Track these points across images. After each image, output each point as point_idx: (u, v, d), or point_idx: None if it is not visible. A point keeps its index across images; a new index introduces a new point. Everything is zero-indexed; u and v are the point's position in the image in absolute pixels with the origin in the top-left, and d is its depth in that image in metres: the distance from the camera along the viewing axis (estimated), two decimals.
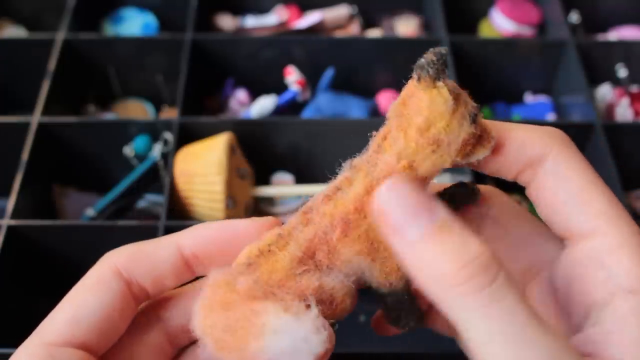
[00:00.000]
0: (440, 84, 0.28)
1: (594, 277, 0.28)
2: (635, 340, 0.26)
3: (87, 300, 0.30)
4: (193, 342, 0.33)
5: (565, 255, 0.30)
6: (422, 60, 0.28)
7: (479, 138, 0.30)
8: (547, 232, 0.32)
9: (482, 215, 0.33)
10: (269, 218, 0.32)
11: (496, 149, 0.30)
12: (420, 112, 0.28)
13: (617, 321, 0.27)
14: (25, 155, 0.79)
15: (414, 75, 0.29)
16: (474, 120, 0.29)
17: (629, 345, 0.26)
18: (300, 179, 0.88)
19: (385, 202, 0.27)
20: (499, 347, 0.25)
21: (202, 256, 0.31)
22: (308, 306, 0.28)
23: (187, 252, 0.31)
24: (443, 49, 0.28)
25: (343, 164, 0.30)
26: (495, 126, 0.30)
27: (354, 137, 0.86)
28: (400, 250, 0.27)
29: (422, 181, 0.29)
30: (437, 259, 0.26)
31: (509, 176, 0.31)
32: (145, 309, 0.33)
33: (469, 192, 0.33)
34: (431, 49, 0.29)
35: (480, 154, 0.30)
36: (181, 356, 0.33)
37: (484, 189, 0.34)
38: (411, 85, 0.29)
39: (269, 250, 0.30)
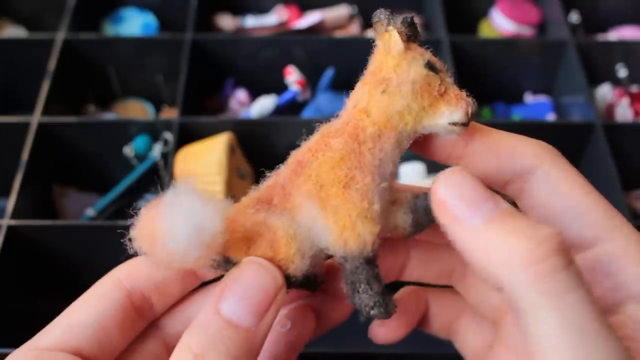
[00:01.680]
0: (390, 27, 0.29)
1: (600, 286, 0.28)
2: None
3: (83, 309, 0.30)
4: None
5: None
6: (378, 11, 0.29)
7: (444, 94, 0.29)
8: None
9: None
10: None
11: (484, 155, 0.30)
12: (374, 59, 0.29)
13: (634, 328, 0.26)
14: (25, 155, 0.79)
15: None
16: (430, 67, 0.29)
17: None
18: None
19: (445, 193, 0.26)
20: (566, 341, 0.23)
21: None
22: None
23: None
24: (409, 15, 0.29)
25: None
26: (486, 131, 0.30)
27: None
28: (463, 238, 0.26)
29: (391, 132, 0.28)
30: (509, 240, 0.24)
31: (497, 185, 0.31)
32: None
33: None
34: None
35: (446, 113, 0.28)
36: None
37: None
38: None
39: (239, 199, 0.30)
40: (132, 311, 0.31)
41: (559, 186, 0.29)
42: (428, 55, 0.29)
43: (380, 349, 0.59)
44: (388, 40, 0.29)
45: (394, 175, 0.30)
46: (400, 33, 0.29)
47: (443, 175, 0.27)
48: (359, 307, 0.29)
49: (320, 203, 0.28)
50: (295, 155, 0.30)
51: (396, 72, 0.29)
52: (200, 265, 0.28)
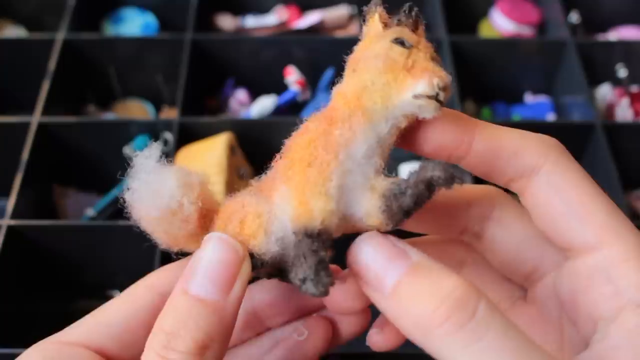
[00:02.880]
0: (374, 14, 0.29)
1: (600, 291, 0.27)
2: None
3: (111, 310, 0.30)
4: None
5: (568, 267, 0.29)
6: (371, 4, 0.30)
7: (411, 68, 0.28)
8: None
9: (485, 216, 0.32)
10: None
11: (487, 155, 0.29)
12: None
13: (624, 336, 0.26)
14: (25, 155, 0.79)
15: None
16: (400, 42, 0.28)
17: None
18: None
19: (355, 264, 0.27)
20: None
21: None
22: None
23: None
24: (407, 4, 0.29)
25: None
26: (488, 129, 0.29)
27: None
28: (380, 304, 0.27)
29: (360, 111, 0.28)
30: (413, 303, 0.25)
31: (500, 182, 0.30)
32: None
33: (446, 178, 0.28)
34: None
35: (410, 87, 0.27)
36: None
37: (487, 189, 0.33)
38: None
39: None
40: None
41: (562, 187, 0.28)
42: (407, 33, 0.28)
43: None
44: (370, 26, 0.29)
45: (375, 160, 0.29)
46: (381, 19, 0.29)
47: (352, 245, 0.27)
48: (293, 283, 0.28)
49: (287, 182, 0.28)
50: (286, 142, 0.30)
51: (365, 51, 0.29)
52: (190, 232, 0.29)
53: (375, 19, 0.29)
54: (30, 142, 0.80)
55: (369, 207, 0.28)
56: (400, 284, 0.26)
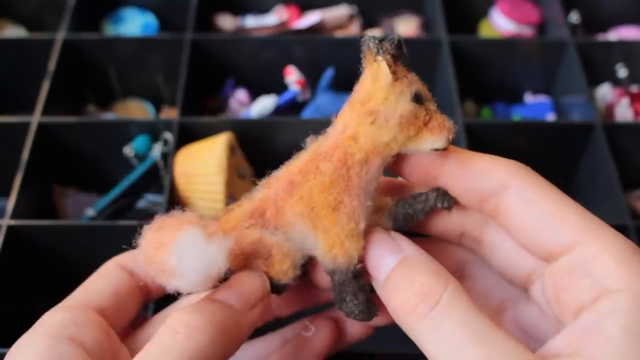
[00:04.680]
0: (379, 58, 0.30)
1: (580, 285, 0.29)
2: (612, 336, 0.26)
3: (97, 281, 0.34)
4: None
5: (549, 269, 0.31)
6: (366, 38, 0.31)
7: (428, 123, 0.31)
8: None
9: (484, 222, 0.34)
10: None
11: (458, 174, 0.32)
12: (363, 86, 0.31)
13: (596, 318, 0.27)
14: (25, 155, 0.79)
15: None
16: (417, 99, 0.30)
17: (604, 342, 0.26)
18: None
19: (367, 257, 0.31)
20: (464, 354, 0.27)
21: None
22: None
23: None
24: (397, 36, 0.31)
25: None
26: (458, 154, 0.32)
27: None
28: (379, 293, 0.31)
29: (377, 157, 0.31)
30: (394, 295, 0.29)
31: (473, 204, 0.32)
32: None
33: (441, 197, 0.33)
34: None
35: (429, 141, 0.31)
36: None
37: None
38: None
39: (231, 208, 0.33)
40: (137, 288, 0.34)
41: (532, 198, 0.30)
42: (415, 85, 0.31)
43: (380, 349, 0.59)
44: (377, 70, 0.30)
45: (377, 187, 0.33)
46: (388, 63, 0.30)
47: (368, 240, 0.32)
48: (345, 313, 0.33)
49: (312, 223, 0.31)
50: (287, 174, 0.32)
51: (384, 106, 0.30)
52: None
53: (382, 66, 0.30)
54: (30, 142, 0.80)
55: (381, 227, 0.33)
56: (388, 277, 0.30)
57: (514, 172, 0.31)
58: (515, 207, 0.30)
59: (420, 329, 0.28)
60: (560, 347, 0.28)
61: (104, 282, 0.34)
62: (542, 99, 1.00)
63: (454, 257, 0.36)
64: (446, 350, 0.27)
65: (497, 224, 0.32)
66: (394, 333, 0.36)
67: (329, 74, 0.93)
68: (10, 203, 0.75)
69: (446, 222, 0.34)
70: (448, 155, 0.32)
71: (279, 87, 0.94)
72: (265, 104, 0.90)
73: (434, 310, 0.28)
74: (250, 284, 0.31)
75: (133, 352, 0.32)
